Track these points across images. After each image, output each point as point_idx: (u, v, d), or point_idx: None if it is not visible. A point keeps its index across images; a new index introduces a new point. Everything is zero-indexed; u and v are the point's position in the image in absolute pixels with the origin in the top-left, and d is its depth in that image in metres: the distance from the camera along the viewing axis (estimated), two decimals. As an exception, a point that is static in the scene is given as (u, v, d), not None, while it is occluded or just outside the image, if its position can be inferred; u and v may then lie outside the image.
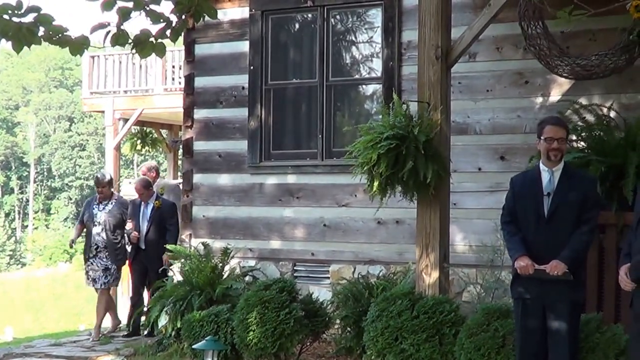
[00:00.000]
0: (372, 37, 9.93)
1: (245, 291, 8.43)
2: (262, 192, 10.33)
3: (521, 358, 5.98)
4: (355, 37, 10.12)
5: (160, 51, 6.99)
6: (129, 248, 10.97)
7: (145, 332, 10.51)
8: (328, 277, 9.86)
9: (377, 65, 9.86)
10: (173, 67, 22.86)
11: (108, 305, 11.21)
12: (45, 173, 77.22)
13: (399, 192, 7.25)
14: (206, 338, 7.52)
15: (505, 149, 8.94)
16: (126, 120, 23.44)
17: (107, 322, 11.44)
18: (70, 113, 78.54)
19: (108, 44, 6.85)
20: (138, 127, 24.67)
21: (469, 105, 9.12)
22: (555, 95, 8.74)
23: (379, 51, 9.81)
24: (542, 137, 5.97)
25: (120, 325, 11.39)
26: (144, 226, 10.74)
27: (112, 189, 11.28)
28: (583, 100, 8.34)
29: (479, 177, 9.05)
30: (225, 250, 9.81)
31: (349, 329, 8.26)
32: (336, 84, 10.04)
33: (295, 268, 10.12)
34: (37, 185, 76.30)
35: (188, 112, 10.90)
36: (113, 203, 10.95)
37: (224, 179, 10.59)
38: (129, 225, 10.76)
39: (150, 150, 25.41)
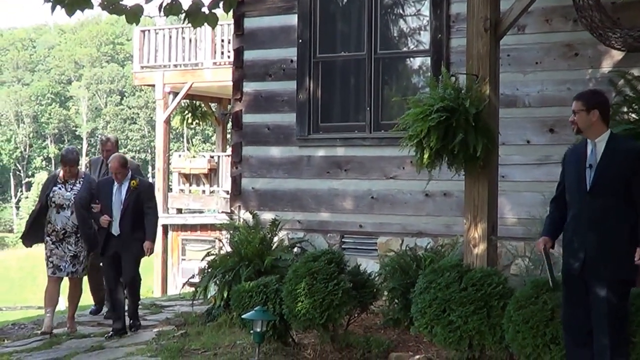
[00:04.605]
0: (420, 9, 9.89)
1: (293, 262, 8.48)
2: (310, 165, 10.38)
3: (566, 331, 5.97)
4: (403, 10, 10.08)
5: (213, 22, 7.09)
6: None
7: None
8: (376, 249, 9.89)
9: (425, 38, 9.82)
10: (222, 41, 23.00)
11: (79, 296, 9.93)
12: (98, 146, 78.13)
13: (447, 165, 7.24)
14: (255, 308, 7.59)
15: (554, 122, 8.87)
16: (176, 94, 23.68)
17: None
18: (121, 87, 79.39)
19: (162, 14, 6.95)
20: (188, 101, 24.90)
21: (518, 77, 9.06)
22: (605, 67, 8.64)
23: (426, 24, 9.77)
24: None
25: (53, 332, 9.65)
26: (118, 209, 9.38)
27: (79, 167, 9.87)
28: (635, 72, 8.24)
29: (528, 150, 9.00)
30: (274, 222, 9.87)
31: (396, 300, 8.28)
32: (384, 57, 10.03)
33: (343, 240, 10.17)
34: (90, 158, 77.28)
35: (237, 85, 10.96)
36: (81, 182, 9.63)
37: (273, 152, 10.65)
38: (96, 208, 9.46)
39: (200, 123, 25.65)
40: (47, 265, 9.57)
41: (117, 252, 9.40)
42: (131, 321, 9.65)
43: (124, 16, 6.85)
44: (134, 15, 6.80)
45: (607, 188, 5.71)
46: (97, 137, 76.45)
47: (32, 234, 9.72)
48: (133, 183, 9.40)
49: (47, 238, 9.57)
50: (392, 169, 9.81)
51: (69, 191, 9.54)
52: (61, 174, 9.68)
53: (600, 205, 5.71)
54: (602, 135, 5.84)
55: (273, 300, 7.89)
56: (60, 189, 9.56)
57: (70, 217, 9.49)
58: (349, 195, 10.13)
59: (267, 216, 10.27)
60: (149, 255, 9.62)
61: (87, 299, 10.50)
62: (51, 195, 9.53)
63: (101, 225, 9.40)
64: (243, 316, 7.71)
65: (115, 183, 9.42)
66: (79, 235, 9.52)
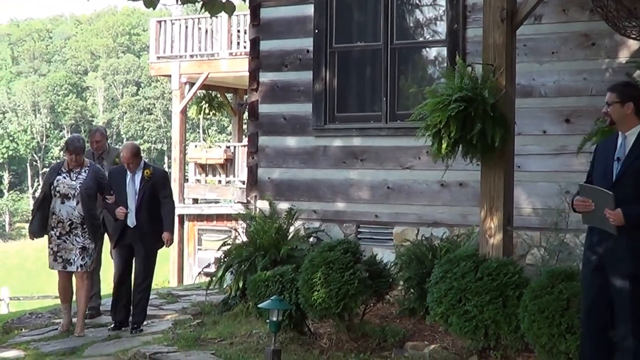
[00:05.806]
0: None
1: (309, 252, 8.50)
2: (326, 155, 10.39)
3: (582, 323, 5.94)
4: (419, 0, 10.06)
5: (230, 10, 7.13)
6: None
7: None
8: (391, 239, 9.90)
9: (441, 28, 9.81)
10: (238, 31, 23.03)
11: (88, 292, 9.27)
12: (115, 137, 78.42)
13: (462, 154, 7.23)
14: (271, 298, 7.60)
15: (571, 112, 8.85)
16: (192, 84, 23.73)
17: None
18: (137, 77, 79.57)
19: (179, 2, 6.99)
20: (204, 91, 24.94)
21: (534, 67, 9.03)
22: (622, 57, 8.61)
23: (442, 14, 9.76)
24: None
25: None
26: (133, 200, 8.98)
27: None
28: (652, 62, 8.20)
29: (544, 140, 8.98)
30: (290, 212, 9.91)
31: (412, 290, 8.31)
32: (400, 47, 10.02)
33: (359, 230, 10.19)
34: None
35: (253, 76, 10.99)
36: (87, 170, 9.09)
37: (289, 142, 10.67)
38: (111, 199, 9.03)
39: (216, 113, 25.72)
40: (56, 260, 9.05)
41: (131, 244, 9.09)
42: (135, 324, 9.12)
43: (141, 2, 6.90)
44: (150, 0, 6.86)
45: (632, 181, 5.64)
46: (114, 127, 76.86)
47: (38, 223, 9.14)
48: (147, 172, 9.01)
49: (52, 232, 9.05)
50: (408, 159, 9.81)
51: (75, 180, 9.03)
52: (66, 162, 9.17)
53: (624, 198, 5.59)
54: (634, 128, 5.76)
55: (289, 290, 7.92)
56: (65, 178, 9.04)
57: (76, 207, 8.96)
58: (364, 185, 10.14)
59: (283, 206, 10.30)
60: (168, 247, 9.36)
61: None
62: (55, 184, 9.02)
63: (117, 218, 9.04)
64: (259, 305, 7.73)
65: (128, 173, 9.01)
66: (85, 226, 9.01)
